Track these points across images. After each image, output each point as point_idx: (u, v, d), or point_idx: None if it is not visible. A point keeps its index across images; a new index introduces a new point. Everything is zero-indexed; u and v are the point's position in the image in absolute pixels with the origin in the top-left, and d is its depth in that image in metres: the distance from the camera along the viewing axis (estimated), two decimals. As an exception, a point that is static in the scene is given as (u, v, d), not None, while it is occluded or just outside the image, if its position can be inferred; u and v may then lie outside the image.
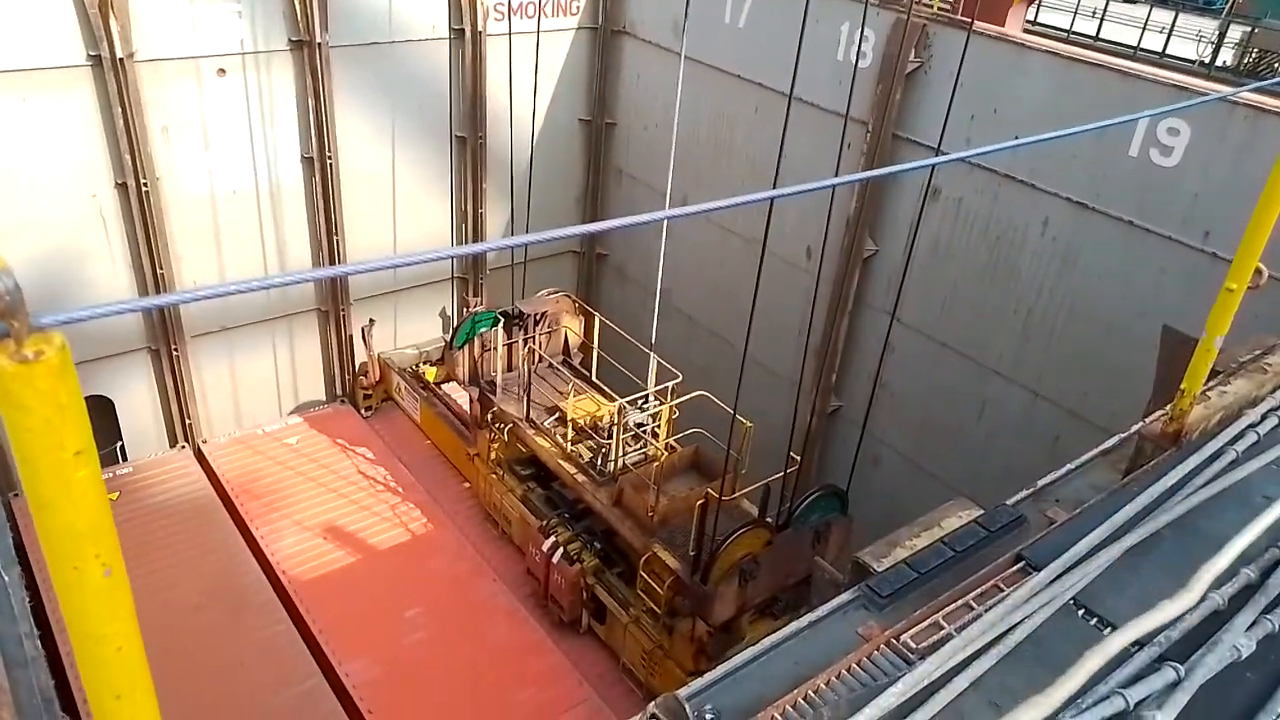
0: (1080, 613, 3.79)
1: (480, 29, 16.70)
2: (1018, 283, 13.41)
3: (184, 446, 16.34)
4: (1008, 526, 5.10)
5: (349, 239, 16.90)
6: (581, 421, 13.61)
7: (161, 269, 15.00)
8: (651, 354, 13.43)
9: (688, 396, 12.61)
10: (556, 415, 13.87)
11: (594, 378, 14.96)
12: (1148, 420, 5.45)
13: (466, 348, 14.89)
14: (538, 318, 15.02)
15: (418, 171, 17.53)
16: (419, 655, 12.57)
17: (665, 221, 16.15)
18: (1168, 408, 5.14)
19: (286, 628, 12.71)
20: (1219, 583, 3.79)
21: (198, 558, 13.76)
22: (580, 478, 12.98)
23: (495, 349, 14.62)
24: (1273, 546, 4.04)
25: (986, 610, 3.67)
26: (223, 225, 15.76)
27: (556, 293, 15.85)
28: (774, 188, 11.45)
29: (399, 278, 17.86)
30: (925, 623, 3.85)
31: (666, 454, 12.72)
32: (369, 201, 17.13)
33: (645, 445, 13.21)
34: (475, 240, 18.37)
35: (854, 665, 3.69)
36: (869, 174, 13.14)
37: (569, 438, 13.34)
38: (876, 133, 14.17)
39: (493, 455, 14.59)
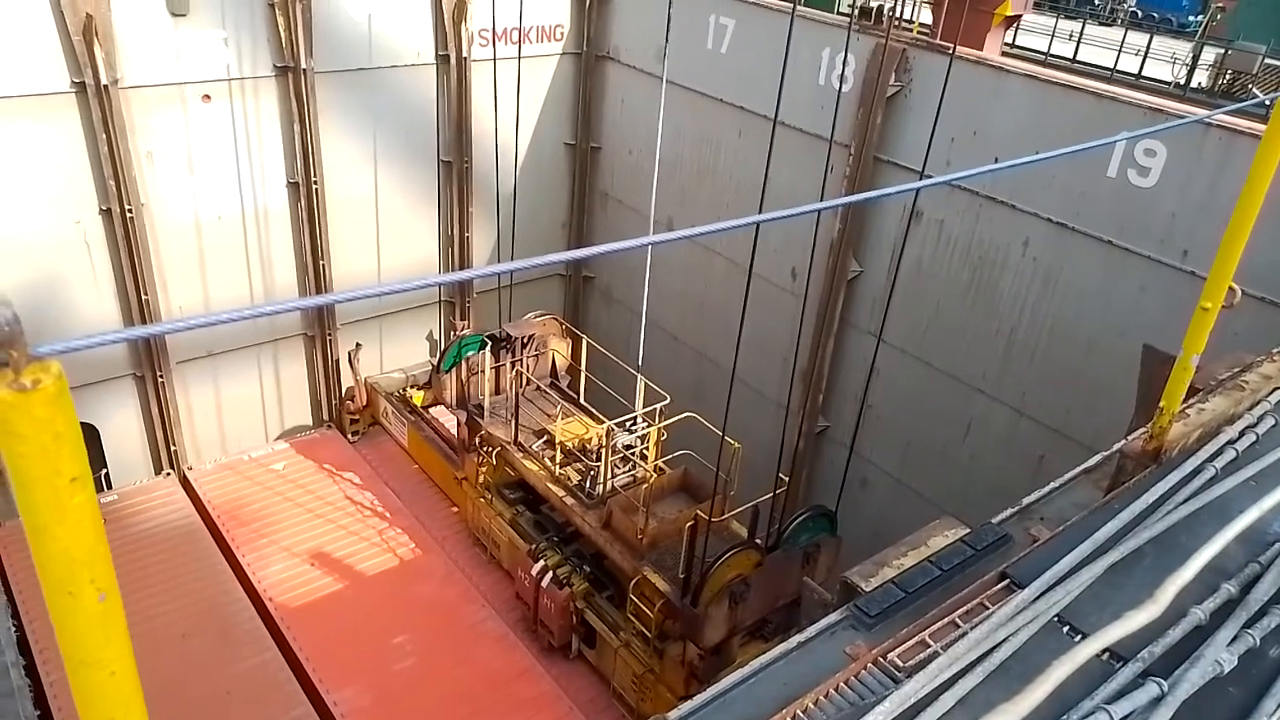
0: (1065, 629, 3.83)
1: (465, 55, 16.83)
2: (1000, 302, 13.55)
3: (169, 473, 16.23)
4: (993, 545, 5.15)
5: (335, 264, 16.91)
6: (570, 444, 13.59)
7: (146, 295, 14.96)
8: (639, 376, 13.46)
9: (676, 419, 12.63)
10: (544, 438, 13.84)
11: (582, 400, 14.94)
12: (1129, 438, 5.52)
13: (454, 371, 14.87)
14: (525, 340, 15.02)
15: (404, 196, 17.58)
16: (408, 682, 12.48)
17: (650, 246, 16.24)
18: (1147, 426, 5.22)
19: (274, 655, 12.59)
20: (1200, 598, 3.84)
21: (183, 585, 13.64)
22: (569, 501, 12.95)
23: (483, 372, 14.61)
24: (1252, 561, 4.09)
25: (972, 628, 3.70)
26: (208, 251, 15.75)
27: (543, 315, 15.87)
28: (759, 211, 11.58)
29: (385, 302, 17.86)
30: (912, 641, 3.89)
31: (655, 476, 12.69)
32: (355, 226, 17.16)
33: (634, 467, 13.19)
34: (462, 264, 18.41)
35: (841, 685, 3.71)
36: (852, 199, 13.29)
37: (557, 460, 13.32)
38: (858, 156, 14.33)
39: (481, 479, 14.54)
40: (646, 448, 13.13)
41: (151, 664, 11.64)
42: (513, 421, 13.94)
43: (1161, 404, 4.96)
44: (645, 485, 12.28)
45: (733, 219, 3.33)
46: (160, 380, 15.80)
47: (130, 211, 14.36)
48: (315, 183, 16.11)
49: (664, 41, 14.32)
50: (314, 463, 16.53)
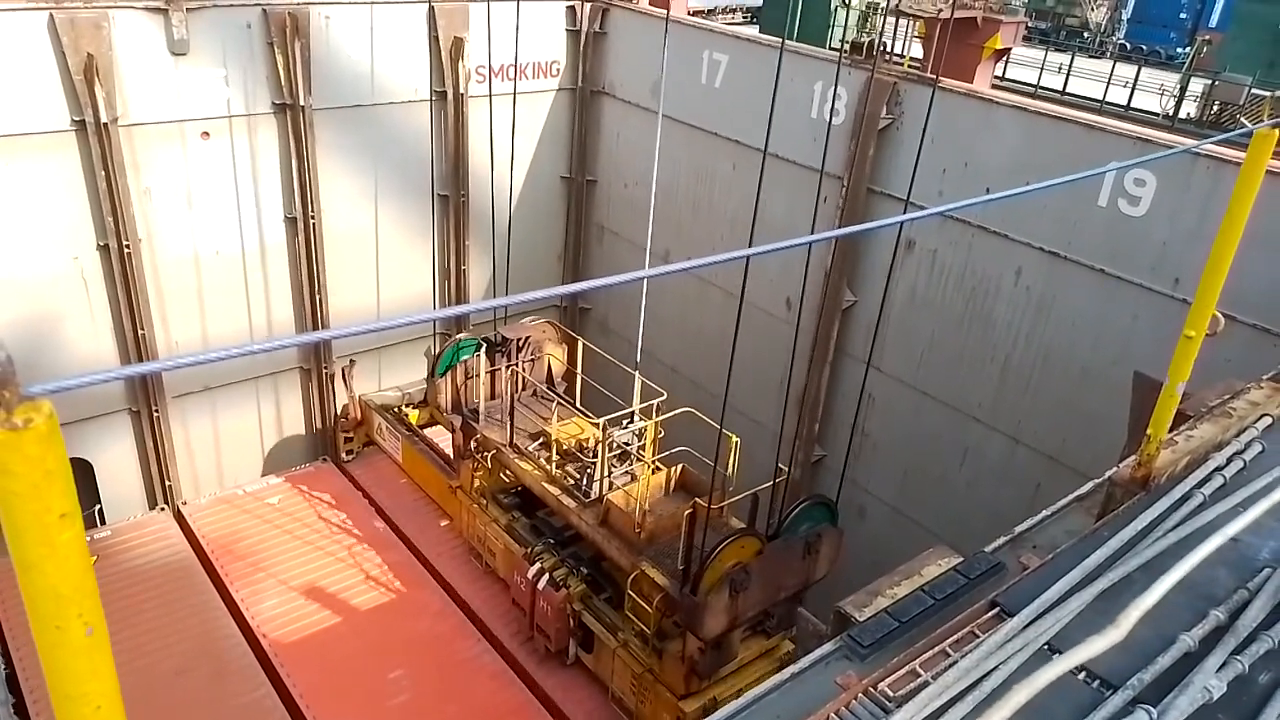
0: (1054, 657, 3.83)
1: (462, 91, 17.03)
2: (994, 331, 13.62)
3: (163, 508, 16.18)
4: (986, 573, 5.16)
5: (332, 298, 17.00)
6: (566, 445, 13.36)
7: (143, 330, 15.02)
8: (636, 374, 13.32)
9: (673, 413, 12.44)
10: (541, 440, 13.64)
11: (578, 405, 14.69)
12: (1118, 466, 5.55)
13: (449, 375, 14.57)
14: (520, 344, 14.77)
15: (401, 230, 17.71)
16: (402, 718, 12.37)
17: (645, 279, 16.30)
18: (1137, 453, 5.25)
19: (268, 692, 12.48)
20: (1189, 625, 3.85)
21: (177, 621, 13.55)
22: (566, 500, 12.71)
23: (478, 376, 14.39)
24: (1241, 588, 4.11)
25: (962, 657, 3.71)
26: (206, 286, 15.83)
27: (539, 320, 15.70)
28: (751, 243, 11.66)
29: (382, 336, 17.93)
30: (902, 670, 3.89)
31: (653, 473, 12.44)
32: (352, 260, 17.27)
33: (631, 465, 12.98)
34: (458, 298, 18.50)
35: (831, 715, 3.71)
36: (845, 230, 13.41)
37: (553, 462, 13.11)
38: (852, 187, 14.47)
39: (476, 484, 14.32)
40: (643, 446, 12.90)
41: (145, 701, 11.55)
42: (509, 424, 13.72)
43: (1149, 431, 4.99)
44: (643, 479, 12.09)
45: (728, 250, 3.38)
46: (156, 415, 15.81)
47: (128, 247, 14.45)
48: (313, 218, 16.24)
49: (658, 76, 14.52)
50: (310, 496, 16.49)
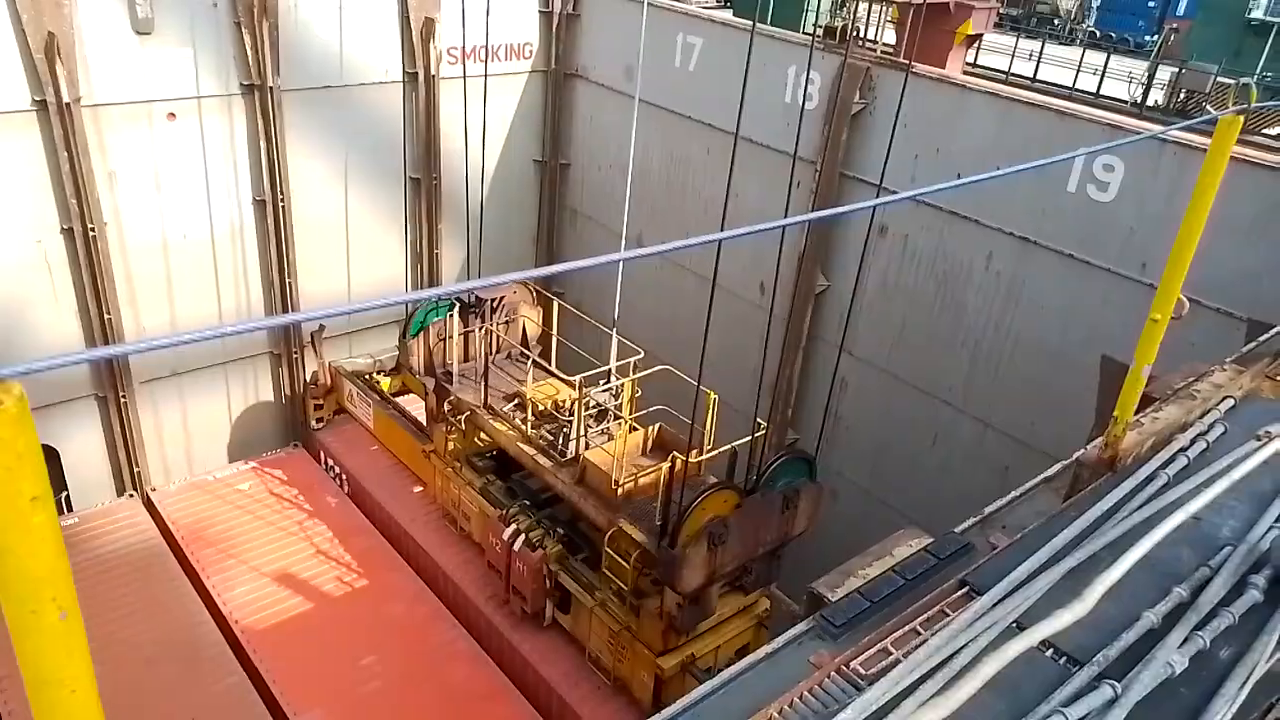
0: (1021, 633, 3.91)
1: (434, 73, 16.87)
2: (965, 315, 13.76)
3: (132, 495, 16.00)
4: (956, 554, 5.24)
5: (303, 282, 16.83)
6: (543, 406, 13.12)
7: (109, 314, 14.80)
8: (613, 333, 13.09)
9: (650, 370, 12.31)
10: (516, 402, 13.37)
11: (554, 368, 14.36)
12: (1086, 448, 5.64)
13: (421, 336, 14.23)
14: (495, 305, 14.49)
15: (372, 213, 17.56)
16: (376, 704, 12.35)
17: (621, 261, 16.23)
18: (1104, 435, 5.34)
19: (240, 679, 12.42)
20: (1152, 602, 3.94)
21: (148, 609, 13.42)
22: (542, 460, 12.42)
23: (451, 338, 14.13)
24: (1203, 565, 4.20)
25: (932, 635, 3.77)
26: (175, 269, 15.62)
27: (513, 282, 15.21)
28: (723, 227, 11.67)
29: (354, 319, 17.78)
30: (874, 649, 3.95)
31: (630, 432, 12.16)
32: (323, 244, 17.11)
33: (608, 424, 12.72)
34: (431, 280, 18.38)
35: (805, 693, 3.77)
36: (818, 214, 13.44)
37: (529, 422, 12.89)
38: (825, 172, 14.51)
39: (450, 448, 14.07)
40: (620, 405, 12.69)
41: (116, 689, 11.40)
42: (482, 386, 13.47)
43: (1115, 413, 5.08)
44: (620, 437, 11.82)
45: (702, 234, 3.39)
46: (123, 400, 15.61)
47: (92, 230, 14.21)
48: (282, 200, 16.05)
49: (632, 60, 14.46)
50: (281, 482, 16.36)
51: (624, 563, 11.17)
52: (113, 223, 14.65)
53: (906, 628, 4.07)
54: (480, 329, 14.37)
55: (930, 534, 6.18)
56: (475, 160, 15.75)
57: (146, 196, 14.94)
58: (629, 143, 14.72)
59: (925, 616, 4.13)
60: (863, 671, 3.82)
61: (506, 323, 14.74)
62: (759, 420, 11.36)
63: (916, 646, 3.73)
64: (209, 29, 14.58)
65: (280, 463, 16.93)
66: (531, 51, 18.52)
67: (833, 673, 3.84)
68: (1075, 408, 12.32)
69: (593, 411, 12.71)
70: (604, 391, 12.81)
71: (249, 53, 14.89)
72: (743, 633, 12.11)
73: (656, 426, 12.47)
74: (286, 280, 16.58)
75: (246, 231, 16.20)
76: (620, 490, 11.43)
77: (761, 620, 12.25)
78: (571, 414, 12.49)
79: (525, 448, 12.77)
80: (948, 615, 4.08)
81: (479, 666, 12.95)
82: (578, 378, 12.61)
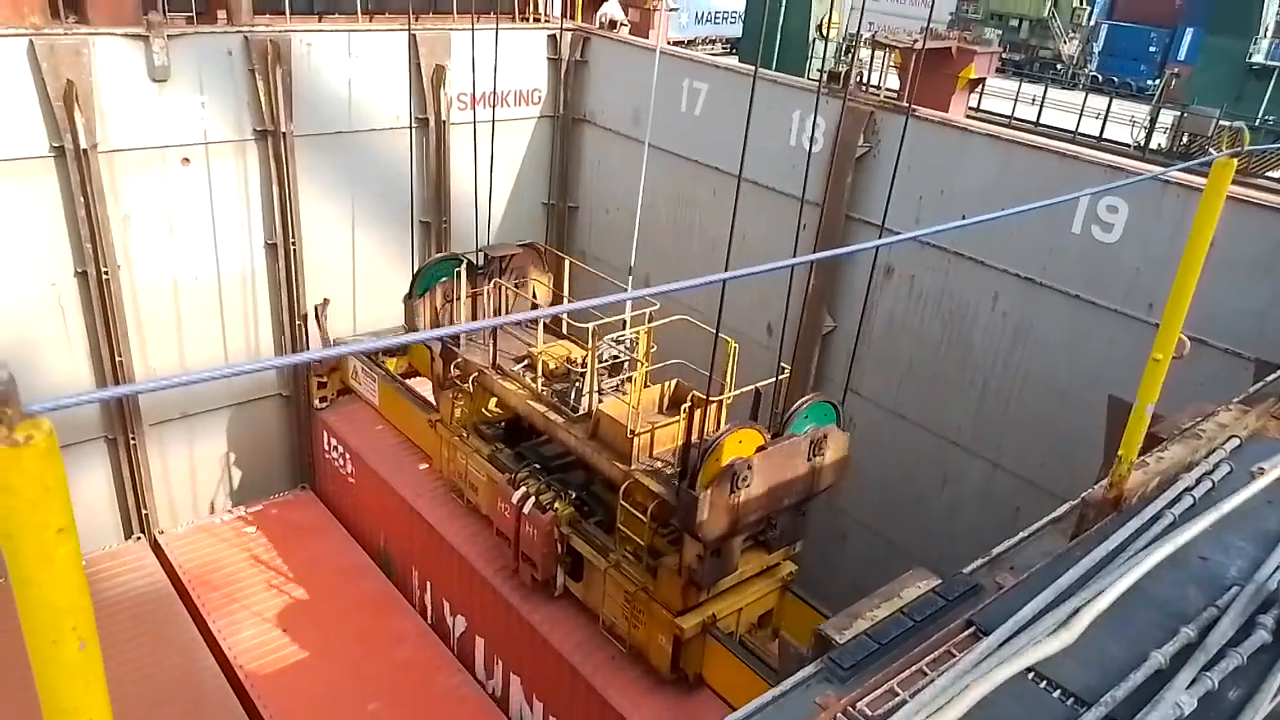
0: (1029, 675, 3.90)
1: (444, 118, 17.15)
2: (972, 356, 13.79)
3: (139, 537, 16.01)
4: (964, 595, 5.23)
5: (313, 324, 16.95)
6: (553, 365, 12.61)
7: (120, 356, 14.93)
8: (629, 281, 12.64)
9: (667, 320, 11.84)
10: (526, 362, 12.91)
11: (564, 331, 13.94)
12: (1092, 487, 5.65)
13: (427, 297, 13.72)
14: (504, 265, 14.03)
15: (381, 256, 17.73)
16: (382, 748, 12.25)
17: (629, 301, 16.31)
18: (1109, 474, 5.35)
19: (244, 723, 12.35)
20: (1160, 642, 3.93)
21: (153, 653, 13.38)
22: (553, 416, 11.98)
23: (459, 299, 13.62)
24: (1210, 605, 4.19)
25: (939, 675, 3.77)
26: (186, 312, 15.78)
27: (523, 243, 14.94)
28: (727, 268, 11.76)
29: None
30: (880, 690, 3.94)
31: (645, 385, 11.51)
32: (333, 286, 17.26)
33: (621, 379, 12.14)
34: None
35: (812, 734, 3.75)
36: (823, 255, 13.54)
37: (539, 380, 12.48)
38: (829, 214, 14.66)
39: (457, 415, 13.58)
40: (635, 359, 12.10)
41: (119, 733, 11.35)
42: (491, 345, 12.98)
43: (1120, 453, 5.10)
44: (636, 388, 11.24)
45: (708, 275, 3.46)
46: (132, 442, 15.67)
47: (106, 274, 14.40)
48: (293, 243, 16.25)
49: (639, 104, 14.69)
50: (288, 525, 16.37)
51: (640, 517, 10.58)
52: (125, 266, 14.84)
53: (913, 668, 4.06)
54: (494, 286, 13.89)
55: (939, 575, 6.16)
56: (484, 204, 15.94)
57: (159, 240, 15.15)
58: (636, 186, 14.90)
59: (932, 657, 4.12)
60: (869, 713, 3.80)
61: (516, 286, 14.27)
62: (783, 365, 10.82)
63: (923, 687, 3.72)
64: (224, 76, 14.89)
65: (287, 505, 16.96)
66: (540, 97, 18.84)
67: (839, 714, 3.83)
68: (1085, 448, 12.28)
69: (607, 363, 12.16)
70: (618, 341, 12.28)
71: (262, 99, 15.18)
72: (766, 595, 11.41)
73: (674, 382, 11.85)
74: (297, 322, 16.72)
75: (258, 274, 16.39)
76: (636, 441, 10.84)
77: (786, 583, 11.58)
78: (584, 369, 11.94)
79: (536, 405, 12.24)
80: (954, 655, 4.07)
81: (485, 712, 12.84)
82: (591, 325, 11.94)
